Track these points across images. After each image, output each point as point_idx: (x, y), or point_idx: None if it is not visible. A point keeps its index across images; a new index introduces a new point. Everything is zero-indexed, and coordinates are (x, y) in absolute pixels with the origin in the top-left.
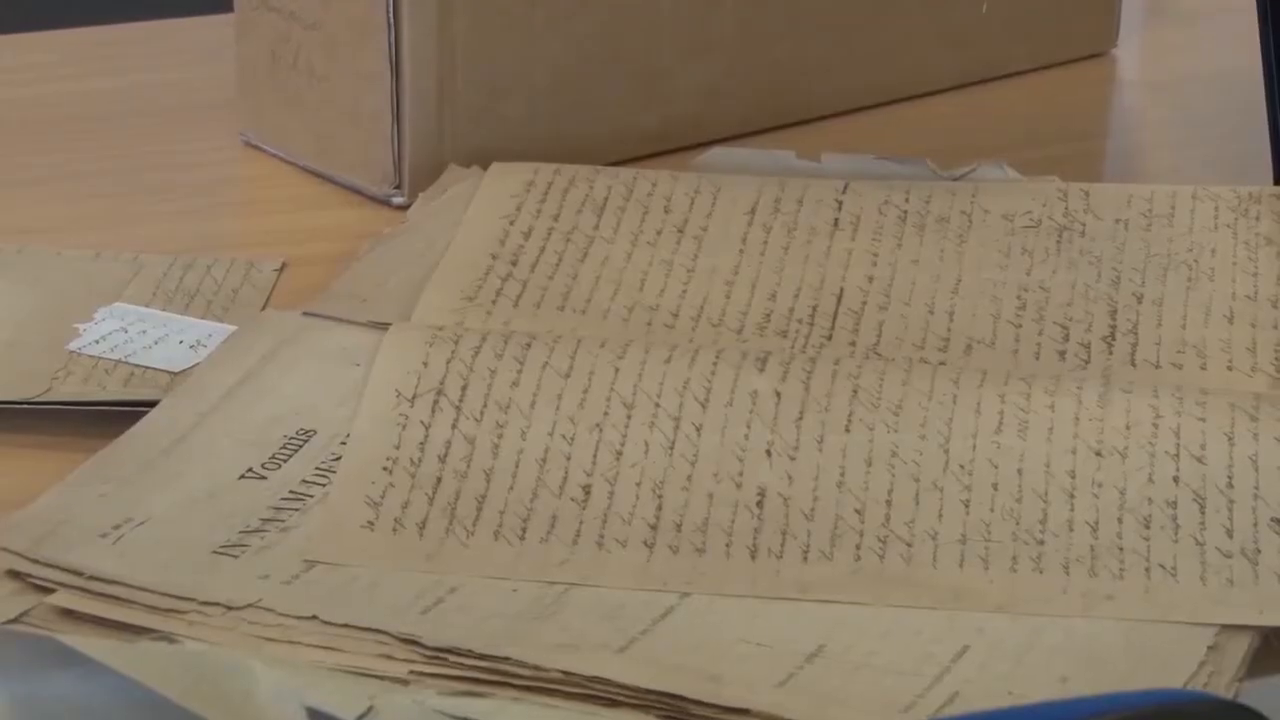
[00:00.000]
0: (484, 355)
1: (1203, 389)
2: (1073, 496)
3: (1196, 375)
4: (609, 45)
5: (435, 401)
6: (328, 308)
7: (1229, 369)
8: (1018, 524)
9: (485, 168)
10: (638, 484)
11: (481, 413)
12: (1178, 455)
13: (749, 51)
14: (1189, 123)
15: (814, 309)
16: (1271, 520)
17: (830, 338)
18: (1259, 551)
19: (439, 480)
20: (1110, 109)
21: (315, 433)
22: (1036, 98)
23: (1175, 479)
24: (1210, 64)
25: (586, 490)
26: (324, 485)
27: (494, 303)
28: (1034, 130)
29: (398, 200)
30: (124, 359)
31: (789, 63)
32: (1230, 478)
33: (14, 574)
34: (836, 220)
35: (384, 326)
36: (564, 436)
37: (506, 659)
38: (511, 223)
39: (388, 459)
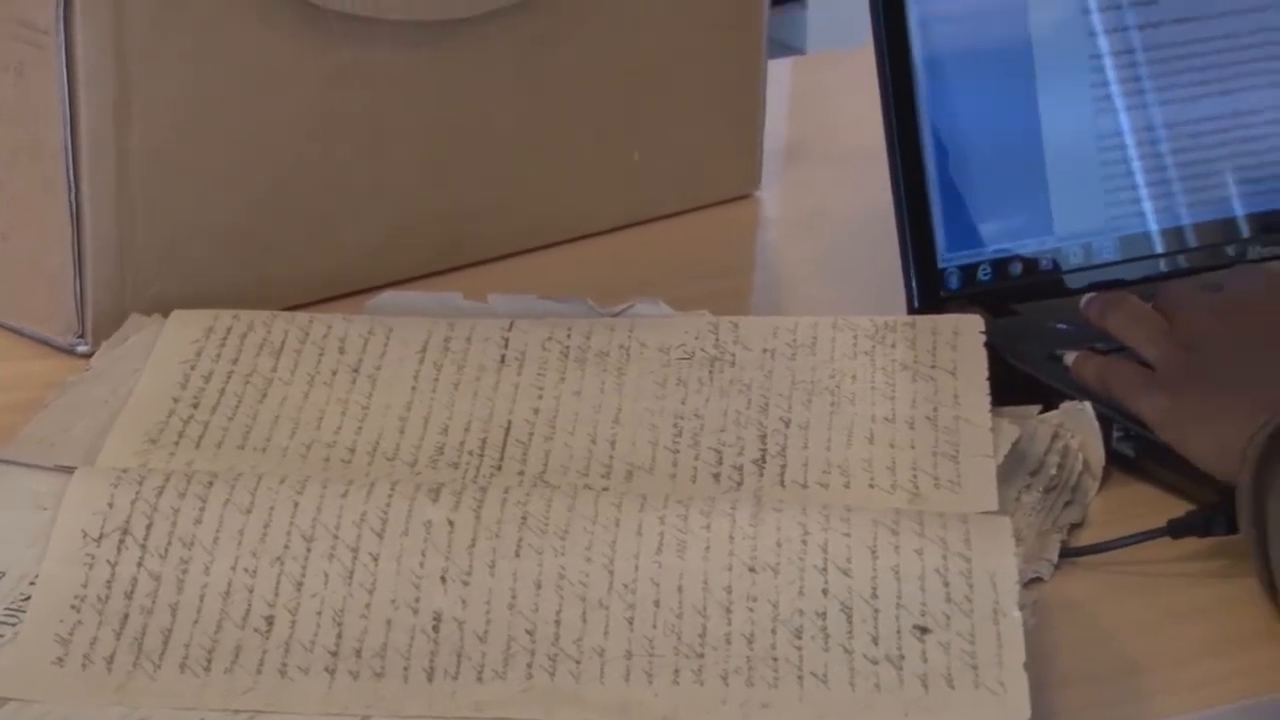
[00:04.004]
0: (167, 495)
1: (847, 506)
2: (730, 611)
3: (841, 493)
4: (284, 197)
5: (121, 540)
6: (15, 454)
7: (871, 487)
8: (679, 638)
9: (166, 315)
10: (319, 613)
11: (166, 550)
12: (826, 569)
13: (417, 201)
14: (828, 258)
15: (484, 441)
16: (914, 627)
17: (500, 468)
18: (903, 657)
19: (126, 616)
20: (755, 247)
21: (4, 574)
22: (687, 238)
23: (824, 591)
24: (847, 203)
25: (269, 621)
26: (14, 625)
27: (177, 444)
28: (685, 268)
29: (82, 349)
30: None
31: (454, 211)
32: (874, 588)
33: None
34: (503, 357)
35: (70, 470)
36: (246, 570)
37: None
38: (192, 367)
39: (76, 597)
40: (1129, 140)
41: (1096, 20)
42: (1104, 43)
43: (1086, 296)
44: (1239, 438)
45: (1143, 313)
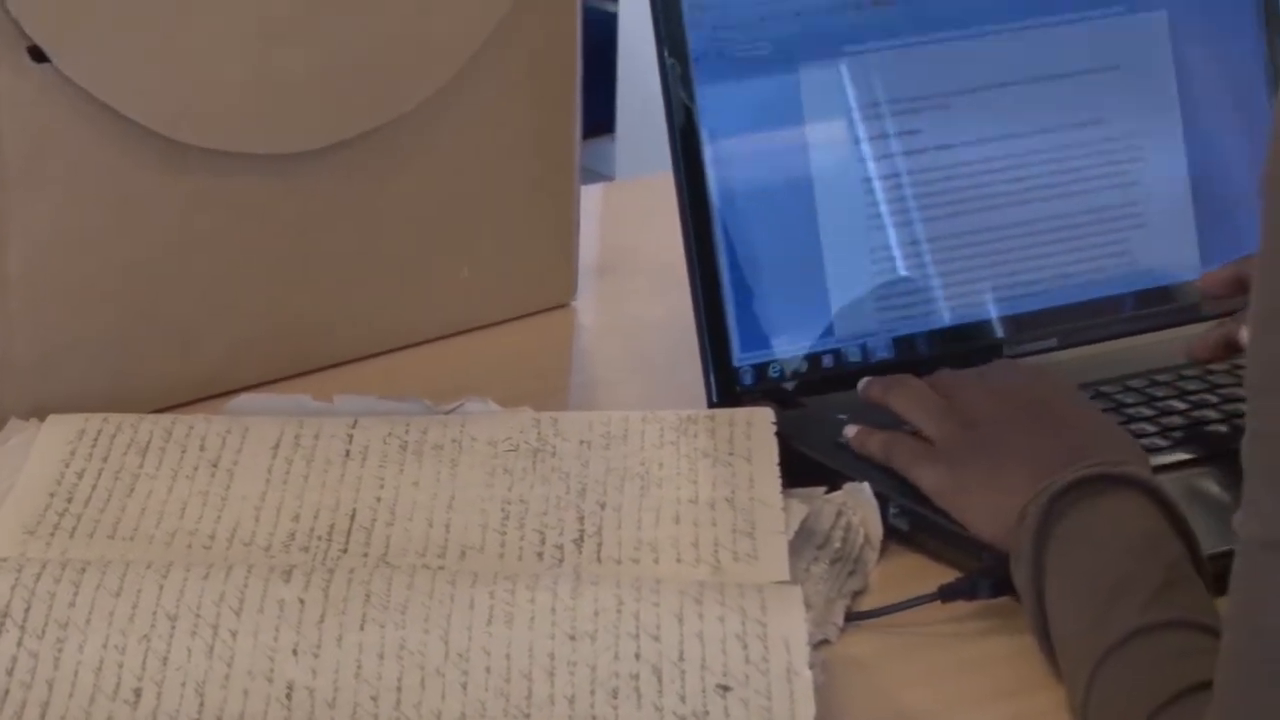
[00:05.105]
0: (44, 580)
1: (657, 579)
2: (552, 675)
3: (651, 568)
4: (148, 311)
5: (1, 623)
6: None
7: (678, 561)
8: (508, 701)
9: (43, 419)
10: (182, 684)
11: (43, 630)
12: (638, 635)
13: (269, 313)
14: (637, 360)
15: (331, 527)
16: (717, 686)
17: (346, 550)
18: (708, 713)
19: (6, 691)
20: (572, 350)
21: None
22: (511, 343)
23: (637, 655)
24: (653, 312)
25: (138, 693)
26: None
27: (53, 534)
28: (510, 370)
29: None
30: None
31: (303, 321)
32: (682, 652)
33: None
34: (348, 451)
35: None
36: (116, 647)
37: None
38: (67, 465)
39: None
40: (898, 253)
41: (867, 149)
42: (874, 168)
43: (864, 379)
44: (1013, 505)
45: (924, 392)
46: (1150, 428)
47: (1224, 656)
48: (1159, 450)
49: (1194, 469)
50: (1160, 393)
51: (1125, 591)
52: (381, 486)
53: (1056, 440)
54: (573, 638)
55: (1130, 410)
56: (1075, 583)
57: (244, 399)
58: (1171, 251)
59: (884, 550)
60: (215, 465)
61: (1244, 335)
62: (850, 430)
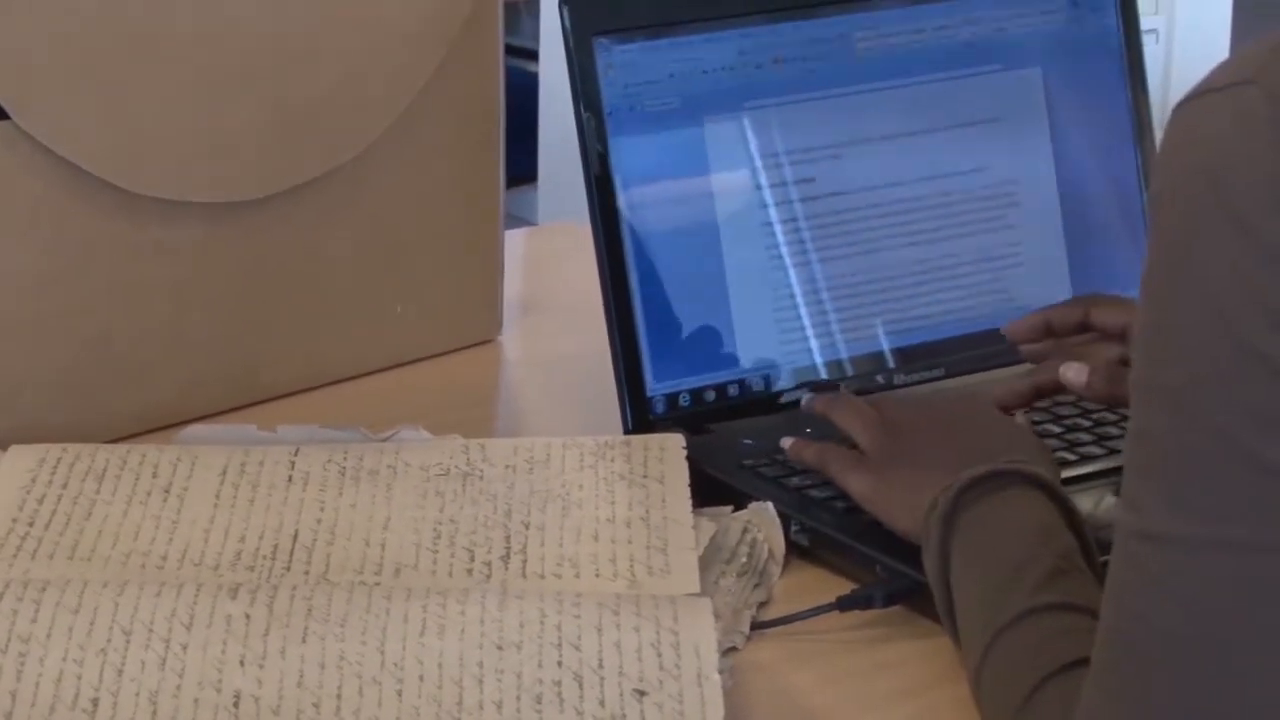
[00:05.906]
0: (7, 599)
1: (577, 592)
2: (481, 682)
3: (573, 583)
4: (104, 349)
5: None
6: None
7: (597, 576)
8: (440, 707)
9: (5, 450)
10: (137, 695)
11: (6, 645)
12: (560, 645)
13: (217, 350)
14: (558, 390)
15: (275, 547)
16: (633, 691)
17: (289, 569)
18: (625, 716)
19: None
20: (498, 382)
21: None
22: (441, 376)
23: (559, 664)
24: (572, 346)
25: (95, 703)
26: None
27: (15, 556)
28: (440, 401)
29: None
30: None
31: (248, 357)
32: (601, 660)
33: None
34: (291, 476)
35: None
36: (75, 660)
37: None
38: (28, 492)
39: None
40: (797, 290)
41: (767, 195)
42: (774, 213)
43: (808, 395)
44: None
45: (861, 408)
46: None
47: (1100, 636)
48: None
49: (1071, 485)
50: (1038, 417)
51: (1019, 576)
52: (322, 509)
53: (971, 445)
54: (500, 648)
55: None
56: (976, 567)
57: (194, 429)
58: (1046, 289)
59: (786, 564)
60: (167, 491)
61: (1068, 375)
62: (786, 441)
